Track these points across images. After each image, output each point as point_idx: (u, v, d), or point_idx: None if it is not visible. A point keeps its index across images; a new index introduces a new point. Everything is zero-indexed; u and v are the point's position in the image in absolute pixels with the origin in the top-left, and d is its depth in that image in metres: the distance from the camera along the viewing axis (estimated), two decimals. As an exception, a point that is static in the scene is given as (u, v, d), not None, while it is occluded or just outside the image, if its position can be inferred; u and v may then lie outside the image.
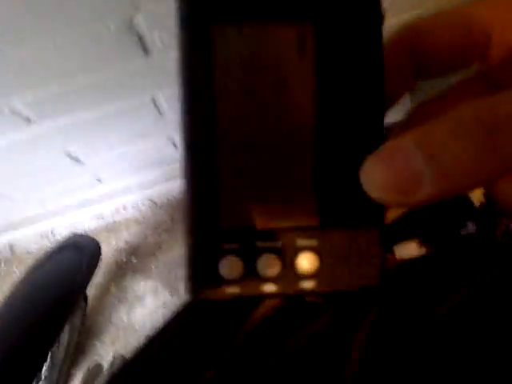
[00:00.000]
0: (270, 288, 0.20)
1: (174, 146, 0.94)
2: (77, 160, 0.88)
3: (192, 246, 0.20)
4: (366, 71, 0.19)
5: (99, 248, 0.98)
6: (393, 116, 0.24)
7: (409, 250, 0.40)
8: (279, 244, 0.20)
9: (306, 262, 0.20)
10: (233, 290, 0.20)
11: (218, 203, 0.20)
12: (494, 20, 0.19)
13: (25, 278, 0.59)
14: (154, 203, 1.27)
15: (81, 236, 1.00)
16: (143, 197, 1.22)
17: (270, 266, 0.20)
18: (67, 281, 0.61)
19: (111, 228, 1.27)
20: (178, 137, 0.89)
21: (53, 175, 0.92)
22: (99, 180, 1.04)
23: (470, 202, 0.53)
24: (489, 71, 0.21)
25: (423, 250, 0.38)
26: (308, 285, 0.20)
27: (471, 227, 0.50)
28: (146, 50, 0.57)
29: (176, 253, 1.25)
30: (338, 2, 0.19)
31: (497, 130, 0.14)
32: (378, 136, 0.20)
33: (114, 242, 1.26)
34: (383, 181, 0.16)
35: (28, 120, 0.66)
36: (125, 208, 1.25)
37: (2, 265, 1.27)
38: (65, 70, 0.56)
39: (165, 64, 0.61)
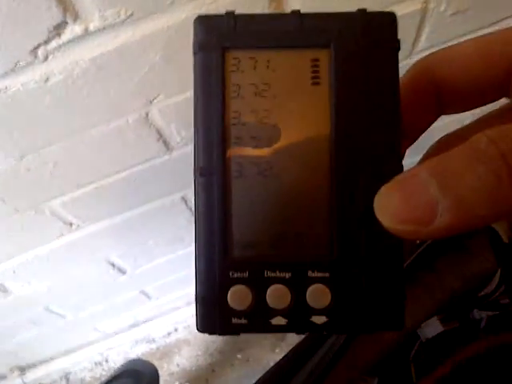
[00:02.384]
0: (279, 321, 0.19)
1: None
2: (121, 270, 0.91)
3: (201, 275, 0.20)
4: (381, 101, 0.19)
5: (157, 373, 0.96)
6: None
7: (433, 328, 0.36)
8: (289, 275, 0.19)
9: (317, 294, 0.19)
10: (241, 321, 0.19)
11: (228, 232, 0.20)
12: None
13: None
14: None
15: (136, 361, 0.98)
16: (193, 314, 1.20)
17: (279, 297, 0.19)
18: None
19: (163, 351, 1.23)
20: None
21: (99, 288, 0.95)
22: (147, 296, 1.05)
23: (498, 236, 0.47)
24: None
25: (448, 326, 0.33)
26: (319, 320, 0.19)
27: (497, 277, 0.44)
28: (166, 144, 0.62)
29: (229, 377, 1.17)
30: (354, 30, 0.19)
31: None
32: (395, 168, 0.19)
33: (165, 366, 1.22)
34: (397, 210, 0.16)
35: (69, 224, 0.71)
36: (176, 329, 1.23)
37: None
38: (95, 170, 0.62)
39: (187, 160, 0.66)
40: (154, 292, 1.05)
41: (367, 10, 0.20)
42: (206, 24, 0.20)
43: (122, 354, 1.24)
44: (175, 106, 0.57)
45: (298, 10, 0.20)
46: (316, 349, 0.35)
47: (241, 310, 0.19)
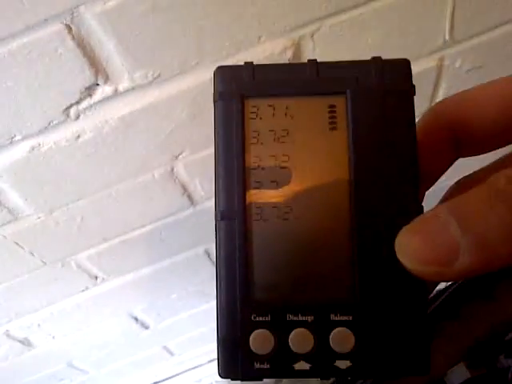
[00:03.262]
0: (302, 366, 0.19)
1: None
2: (144, 325, 0.90)
3: (223, 319, 0.20)
4: (398, 144, 0.20)
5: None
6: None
7: (459, 375, 0.35)
8: (312, 319, 0.19)
9: (340, 338, 0.19)
10: (264, 366, 0.19)
11: (249, 275, 0.20)
12: None
13: None
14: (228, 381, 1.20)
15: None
16: (216, 371, 1.17)
17: (302, 341, 0.19)
18: None
19: (185, 411, 1.19)
20: None
21: (122, 343, 0.93)
22: (169, 352, 1.03)
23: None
24: None
25: (475, 373, 0.32)
26: (343, 364, 0.19)
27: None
28: (191, 198, 0.63)
29: None
30: (369, 77, 0.20)
31: None
32: (415, 209, 0.19)
33: (187, 428, 1.17)
34: (419, 251, 0.16)
35: (94, 277, 0.71)
36: (199, 388, 1.19)
37: None
38: (121, 224, 0.63)
39: (211, 213, 0.67)
40: (177, 348, 1.03)
41: (382, 58, 0.20)
42: (225, 74, 0.21)
43: (144, 414, 1.20)
44: (199, 162, 0.58)
45: (315, 59, 0.21)
46: None
47: (263, 354, 0.19)
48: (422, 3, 0.53)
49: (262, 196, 0.20)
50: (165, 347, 1.01)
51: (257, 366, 0.19)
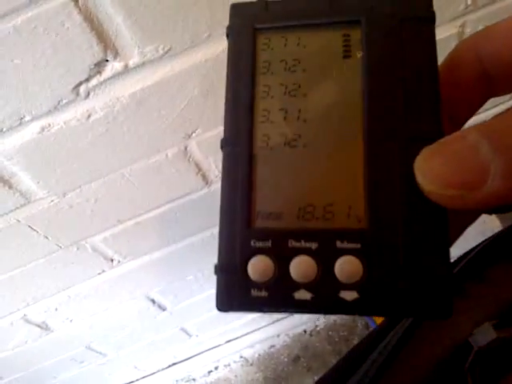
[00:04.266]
0: (303, 295, 0.17)
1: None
2: (161, 307, 0.90)
3: (223, 246, 0.19)
4: (418, 68, 0.18)
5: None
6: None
7: (486, 335, 0.33)
8: (316, 245, 0.18)
9: (347, 267, 0.17)
10: (261, 294, 0.18)
11: (251, 202, 0.19)
12: None
13: None
14: (246, 360, 1.20)
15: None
16: (233, 351, 1.17)
17: (304, 269, 0.17)
18: None
19: (203, 391, 1.20)
20: None
21: (140, 326, 0.94)
22: (187, 333, 1.03)
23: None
24: None
25: (503, 333, 0.30)
26: (349, 296, 0.17)
27: None
28: (205, 178, 0.62)
29: (271, 420, 1.13)
30: (385, 4, 0.19)
31: None
32: (436, 132, 0.17)
33: (206, 407, 1.19)
34: (442, 173, 0.14)
35: (110, 260, 0.71)
36: (216, 367, 1.19)
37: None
38: (136, 205, 0.62)
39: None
40: (194, 329, 1.03)
41: None
42: (239, 9, 0.21)
43: (162, 394, 1.21)
44: (213, 139, 0.56)
45: None
46: (368, 352, 0.32)
47: (261, 282, 0.18)
48: (445, -36, 0.50)
49: (269, 123, 0.19)
50: (182, 329, 1.01)
51: (254, 293, 0.18)
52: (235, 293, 0.18)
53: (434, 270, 0.17)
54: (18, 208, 0.55)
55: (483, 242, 0.31)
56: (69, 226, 0.61)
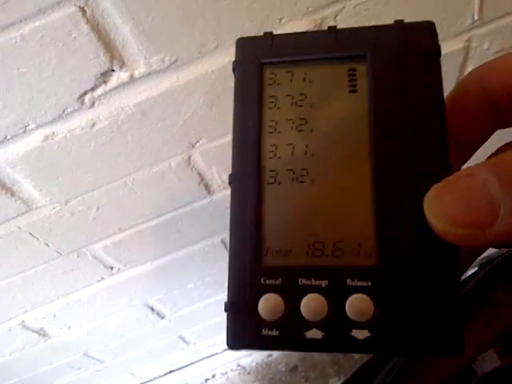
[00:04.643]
0: (315, 334, 0.17)
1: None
2: (159, 314, 0.89)
3: (232, 283, 0.19)
4: (425, 103, 0.18)
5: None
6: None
7: (490, 362, 0.33)
8: (326, 283, 0.17)
9: (358, 305, 0.17)
10: (272, 333, 0.17)
11: (261, 238, 0.18)
12: None
13: None
14: (243, 368, 1.20)
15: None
16: (231, 360, 1.17)
17: (315, 307, 0.17)
18: None
19: (200, 399, 1.20)
20: None
21: (138, 333, 0.93)
22: (185, 341, 1.03)
23: None
24: None
25: (506, 360, 0.30)
26: (361, 334, 0.17)
27: None
28: (208, 188, 0.61)
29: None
30: (391, 39, 0.19)
31: None
32: (444, 169, 0.17)
33: (202, 416, 1.18)
34: (452, 211, 0.14)
35: (109, 268, 0.71)
36: (213, 376, 1.19)
37: None
38: (137, 213, 0.62)
39: (228, 203, 0.65)
40: (192, 337, 1.03)
41: (404, 21, 0.19)
42: (245, 44, 0.21)
43: (159, 402, 1.20)
44: (217, 150, 0.56)
45: (334, 26, 0.20)
46: (373, 375, 0.32)
47: (272, 320, 0.17)
48: (452, -20, 0.50)
49: (277, 158, 0.19)
50: (180, 336, 1.01)
51: (265, 332, 0.17)
52: (246, 331, 0.18)
53: (446, 307, 0.16)
54: (19, 215, 0.55)
55: (487, 263, 0.31)
56: (70, 234, 0.61)
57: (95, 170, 0.54)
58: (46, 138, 0.48)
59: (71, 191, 0.55)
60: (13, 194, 0.52)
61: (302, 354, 1.19)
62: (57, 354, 0.90)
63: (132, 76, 0.46)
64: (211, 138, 0.55)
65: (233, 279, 0.18)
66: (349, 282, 0.17)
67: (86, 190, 0.55)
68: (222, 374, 1.19)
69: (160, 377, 1.16)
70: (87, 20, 0.41)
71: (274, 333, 0.17)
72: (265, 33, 0.20)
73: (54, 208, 0.56)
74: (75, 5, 0.39)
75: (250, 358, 1.18)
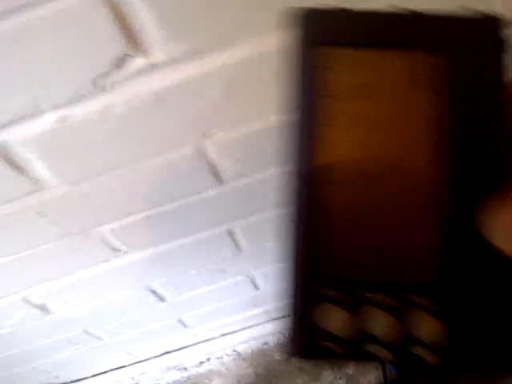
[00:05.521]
0: (374, 348, 0.17)
1: (254, 285, 0.93)
2: (161, 298, 0.90)
3: (290, 293, 0.18)
4: (488, 107, 0.18)
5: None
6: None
7: None
8: (389, 298, 0.17)
9: (421, 323, 0.17)
10: (330, 344, 0.18)
11: (321, 249, 0.18)
12: None
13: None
14: (239, 354, 1.21)
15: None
16: (227, 345, 1.18)
17: (376, 320, 0.17)
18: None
19: (194, 380, 1.21)
20: (258, 275, 0.89)
21: (138, 314, 0.94)
22: (183, 324, 1.04)
23: None
24: None
25: None
26: (424, 352, 0.17)
27: None
28: (218, 178, 0.61)
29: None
30: (463, 34, 0.18)
31: None
32: (502, 182, 0.17)
33: (195, 397, 1.20)
34: (508, 227, 0.14)
35: (116, 250, 0.71)
36: (208, 359, 1.20)
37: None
38: (147, 199, 0.62)
39: (237, 194, 0.65)
40: (191, 321, 1.04)
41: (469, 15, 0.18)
42: (311, 17, 0.19)
43: (153, 380, 1.22)
44: (229, 141, 0.56)
45: (409, 10, 0.18)
46: None
47: (331, 331, 0.18)
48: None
49: (340, 163, 0.18)
50: (179, 320, 1.02)
51: (323, 343, 0.18)
52: (305, 341, 0.18)
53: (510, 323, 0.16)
54: (29, 194, 0.55)
55: None
56: (79, 215, 0.61)
57: (107, 154, 0.53)
58: (60, 120, 0.48)
59: (82, 173, 0.55)
60: (24, 174, 0.52)
61: (298, 343, 1.20)
62: (57, 330, 0.91)
63: (149, 63, 0.46)
64: (224, 130, 0.54)
65: (294, 288, 0.18)
66: (412, 297, 0.17)
67: (97, 173, 0.55)
68: (217, 357, 1.21)
69: (156, 357, 1.18)
70: (106, 2, 0.40)
71: (332, 344, 0.17)
72: (334, 8, 0.19)
73: (64, 189, 0.56)
74: (96, -13, 0.39)
75: (247, 344, 1.19)
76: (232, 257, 0.80)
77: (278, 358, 1.19)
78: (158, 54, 0.46)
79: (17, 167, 0.51)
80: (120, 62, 0.46)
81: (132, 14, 0.42)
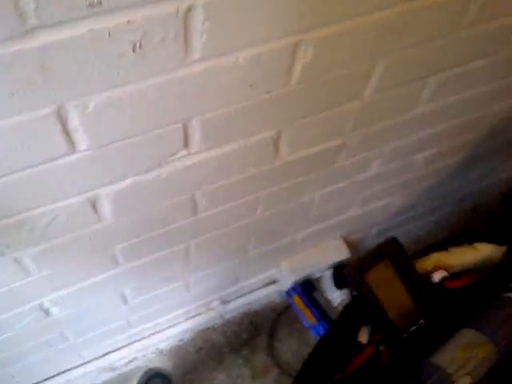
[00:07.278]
0: None
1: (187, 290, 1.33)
2: (125, 302, 1.24)
3: None
4: None
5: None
6: None
7: None
8: None
9: None
10: None
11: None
12: None
13: None
14: (160, 351, 1.57)
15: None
16: (151, 344, 1.52)
17: None
18: None
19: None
20: (193, 282, 1.29)
21: (104, 315, 1.25)
22: (130, 325, 1.37)
23: None
24: None
25: None
26: None
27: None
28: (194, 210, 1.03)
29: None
30: None
31: None
32: None
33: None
34: None
35: (116, 262, 1.07)
36: (136, 358, 1.53)
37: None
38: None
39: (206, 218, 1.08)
40: (136, 322, 1.37)
41: None
42: None
43: (88, 379, 1.48)
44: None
45: None
46: None
47: None
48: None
49: None
50: (128, 321, 1.35)
51: None
52: None
53: None
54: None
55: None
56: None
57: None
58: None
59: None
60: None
61: (205, 337, 1.62)
62: (37, 334, 1.16)
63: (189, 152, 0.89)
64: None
65: None
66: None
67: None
68: (143, 356, 1.54)
69: (95, 359, 1.46)
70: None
71: None
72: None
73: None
74: None
75: (166, 342, 1.56)
76: (180, 268, 1.21)
77: (191, 350, 1.59)
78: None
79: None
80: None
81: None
